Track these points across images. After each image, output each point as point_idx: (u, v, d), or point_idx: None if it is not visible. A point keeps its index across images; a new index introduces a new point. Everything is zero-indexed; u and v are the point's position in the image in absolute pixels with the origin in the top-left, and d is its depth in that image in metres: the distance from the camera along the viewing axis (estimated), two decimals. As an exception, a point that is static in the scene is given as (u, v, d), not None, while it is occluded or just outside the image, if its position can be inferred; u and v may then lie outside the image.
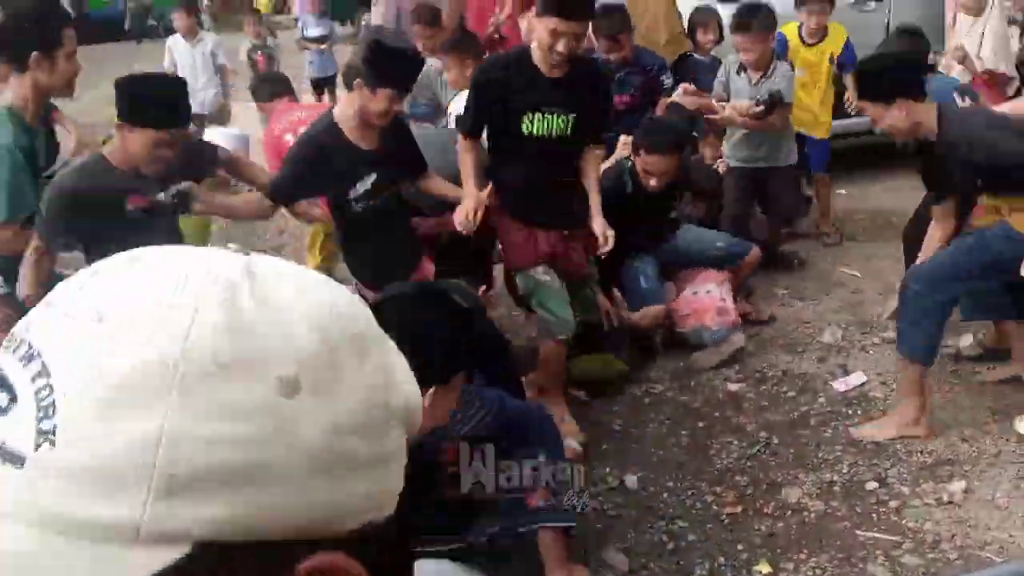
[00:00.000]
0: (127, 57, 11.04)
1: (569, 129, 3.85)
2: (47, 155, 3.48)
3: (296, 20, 14.12)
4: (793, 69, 5.44)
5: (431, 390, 2.29)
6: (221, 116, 7.95)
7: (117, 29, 20.40)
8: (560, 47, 3.64)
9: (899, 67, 3.91)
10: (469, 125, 3.99)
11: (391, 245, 3.90)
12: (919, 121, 3.74)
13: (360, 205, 3.81)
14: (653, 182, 4.56)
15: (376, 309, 2.25)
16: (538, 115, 3.82)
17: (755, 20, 5.09)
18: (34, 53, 3.27)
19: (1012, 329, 4.18)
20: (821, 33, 5.84)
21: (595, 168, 4.08)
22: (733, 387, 4.52)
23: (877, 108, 3.80)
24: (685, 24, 6.26)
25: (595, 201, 3.99)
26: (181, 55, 8.02)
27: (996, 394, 4.19)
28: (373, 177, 3.77)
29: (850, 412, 4.21)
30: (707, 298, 4.81)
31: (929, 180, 4.05)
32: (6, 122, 3.23)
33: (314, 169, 3.74)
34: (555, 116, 3.82)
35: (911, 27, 5.35)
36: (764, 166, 5.46)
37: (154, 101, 3.28)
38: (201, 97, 7.94)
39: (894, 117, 3.75)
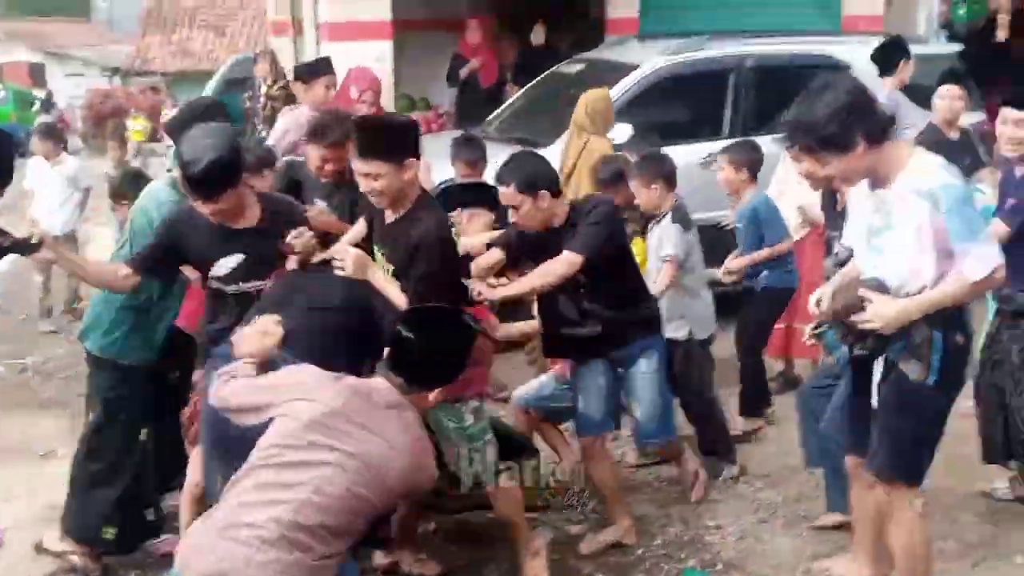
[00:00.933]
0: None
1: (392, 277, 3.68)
2: None
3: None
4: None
5: None
6: (75, 239, 7.96)
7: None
8: (362, 185, 3.60)
9: None
10: None
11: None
12: None
13: (230, 287, 3.72)
14: None
15: None
16: (376, 250, 3.79)
17: (636, 168, 5.16)
18: None
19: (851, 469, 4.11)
20: None
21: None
22: (574, 529, 4.53)
23: None
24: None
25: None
26: (40, 177, 7.94)
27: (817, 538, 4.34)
28: (239, 257, 3.69)
29: (683, 555, 4.27)
30: None
31: None
32: (168, 187, 4.07)
33: (171, 243, 3.71)
34: (383, 258, 3.73)
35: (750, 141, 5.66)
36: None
37: None
38: (57, 218, 7.86)
39: None
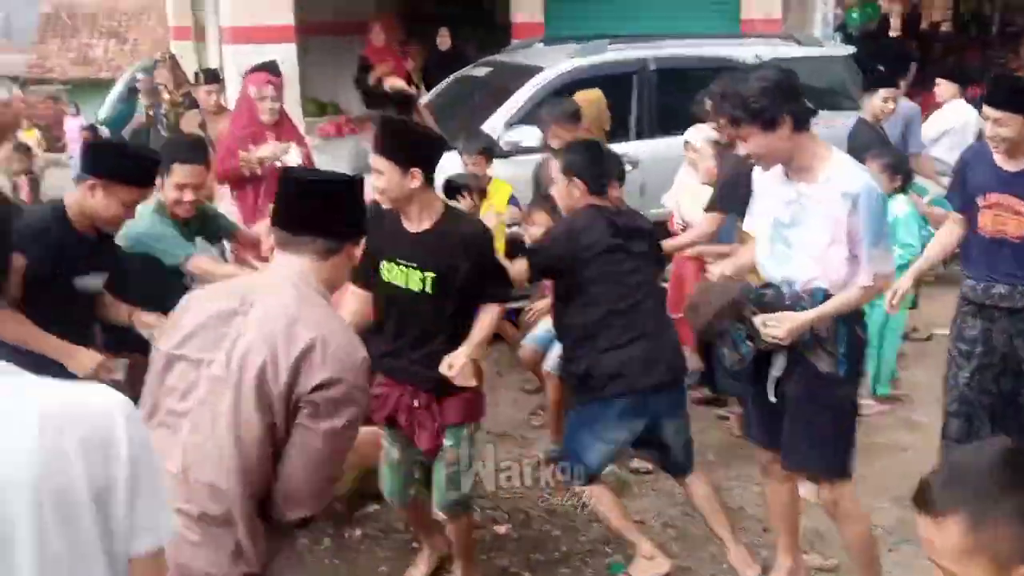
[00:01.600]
0: None
1: (428, 287, 3.55)
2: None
3: (71, 158, 13.91)
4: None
5: None
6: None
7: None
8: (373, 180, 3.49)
9: None
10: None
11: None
12: None
13: None
14: None
15: None
16: (392, 264, 3.61)
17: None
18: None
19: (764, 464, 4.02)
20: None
21: (482, 321, 3.67)
22: (500, 529, 4.57)
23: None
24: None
25: (471, 341, 3.61)
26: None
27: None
28: None
29: (609, 550, 4.33)
30: None
31: None
32: (151, 210, 4.14)
33: None
34: (411, 270, 3.56)
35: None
36: None
37: None
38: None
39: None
